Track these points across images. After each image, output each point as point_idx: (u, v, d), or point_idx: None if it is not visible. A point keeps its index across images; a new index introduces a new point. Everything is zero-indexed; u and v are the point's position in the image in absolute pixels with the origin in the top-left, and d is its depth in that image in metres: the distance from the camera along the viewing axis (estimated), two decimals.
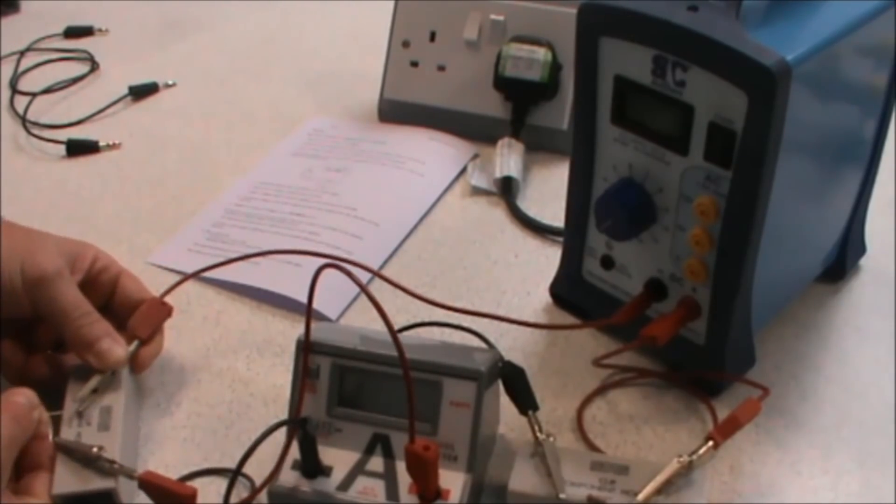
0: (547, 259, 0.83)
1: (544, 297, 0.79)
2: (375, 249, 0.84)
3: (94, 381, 0.65)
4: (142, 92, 1.08)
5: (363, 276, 0.80)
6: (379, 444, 0.61)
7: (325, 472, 0.61)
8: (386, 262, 0.84)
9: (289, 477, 0.60)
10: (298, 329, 0.76)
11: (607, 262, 0.73)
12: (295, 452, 0.60)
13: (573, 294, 0.77)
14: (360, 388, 0.62)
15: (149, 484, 0.60)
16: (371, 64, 1.05)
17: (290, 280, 0.79)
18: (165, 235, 0.87)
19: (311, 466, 0.60)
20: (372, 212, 0.88)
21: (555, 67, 0.94)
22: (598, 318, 0.73)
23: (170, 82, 1.10)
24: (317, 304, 0.58)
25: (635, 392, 0.71)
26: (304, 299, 0.60)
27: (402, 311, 0.77)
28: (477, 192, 0.92)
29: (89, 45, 1.18)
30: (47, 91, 1.09)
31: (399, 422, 0.60)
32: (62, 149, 0.99)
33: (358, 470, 0.61)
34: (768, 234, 0.64)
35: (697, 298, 0.68)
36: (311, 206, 0.89)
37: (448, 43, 0.99)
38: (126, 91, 1.07)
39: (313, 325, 0.62)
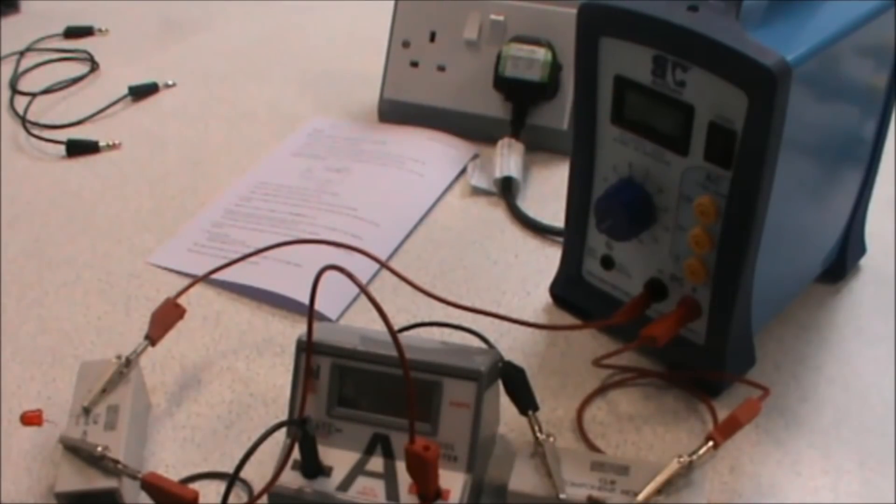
0: (547, 259, 0.83)
1: (544, 297, 0.79)
2: (375, 249, 0.83)
3: (102, 380, 0.65)
4: (142, 92, 1.08)
5: (366, 274, 0.81)
6: (379, 444, 0.61)
7: (325, 472, 0.61)
8: (386, 261, 0.84)
9: (289, 477, 0.60)
10: (298, 329, 0.76)
11: (607, 262, 0.73)
12: (295, 452, 0.60)
13: (573, 294, 0.77)
14: (360, 388, 0.62)
15: (151, 485, 0.60)
16: (371, 64, 1.05)
17: (290, 280, 0.79)
18: (165, 235, 0.87)
19: (311, 466, 0.60)
20: (372, 212, 0.88)
21: (555, 67, 0.94)
22: (598, 319, 0.73)
23: (170, 82, 1.10)
24: (317, 305, 0.58)
25: (635, 392, 0.71)
26: (304, 299, 0.60)
27: (403, 311, 0.78)
28: (477, 192, 0.92)
29: (89, 45, 1.18)
30: (47, 91, 1.09)
31: (399, 422, 0.60)
32: (62, 149, 0.99)
33: (358, 470, 0.61)
34: (768, 234, 0.64)
35: (697, 298, 0.68)
36: (311, 206, 0.89)
37: (448, 43, 0.99)
38: (126, 91, 1.08)
39: (313, 325, 0.62)
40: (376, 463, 0.61)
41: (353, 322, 0.77)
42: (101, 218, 0.90)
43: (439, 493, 0.58)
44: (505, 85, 0.95)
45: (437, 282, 0.82)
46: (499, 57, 0.95)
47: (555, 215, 0.86)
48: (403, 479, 0.59)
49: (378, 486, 0.60)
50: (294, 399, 0.62)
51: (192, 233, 0.87)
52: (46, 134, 1.02)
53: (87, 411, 0.64)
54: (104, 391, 0.65)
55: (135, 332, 0.77)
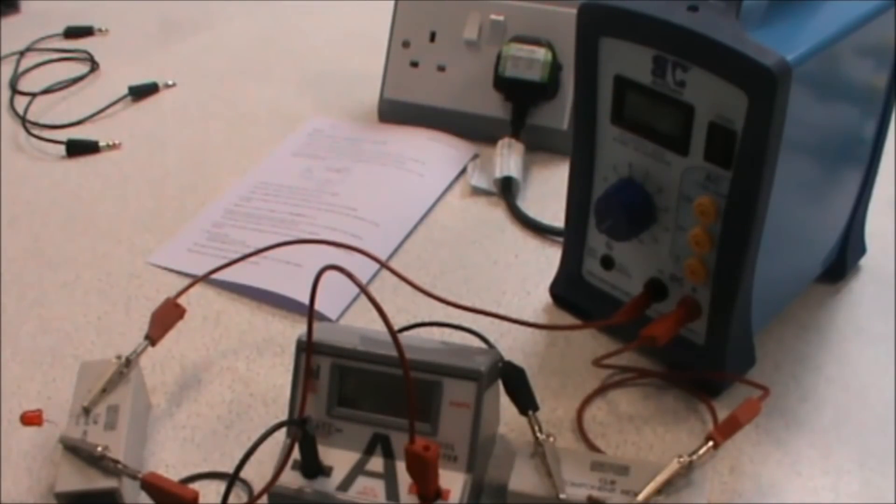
0: (547, 259, 0.83)
1: (544, 297, 0.79)
2: (375, 250, 0.83)
3: (102, 380, 0.65)
4: (142, 92, 1.08)
5: (366, 274, 0.81)
6: (379, 444, 0.61)
7: (325, 472, 0.61)
8: (386, 261, 0.84)
9: (289, 477, 0.60)
10: (298, 329, 0.76)
11: (607, 262, 0.73)
12: (295, 452, 0.60)
13: (573, 294, 0.77)
14: (360, 388, 0.62)
15: (151, 485, 0.60)
16: (371, 64, 1.05)
17: (290, 280, 0.79)
18: (165, 235, 0.87)
19: (311, 466, 0.60)
20: (372, 212, 0.88)
21: (555, 67, 0.94)
22: (598, 319, 0.73)
23: (170, 82, 1.10)
24: (317, 305, 0.58)
25: (635, 392, 0.71)
26: (304, 299, 0.60)
27: (403, 311, 0.78)
28: (477, 192, 0.92)
29: (89, 45, 1.18)
30: (47, 91, 1.09)
31: (399, 422, 0.60)
32: (62, 149, 0.99)
33: (358, 470, 0.61)
34: (768, 234, 0.64)
35: (697, 298, 0.68)
36: (311, 206, 0.89)
37: (448, 43, 0.99)
38: (126, 91, 1.08)
39: (313, 325, 0.62)
40: (376, 463, 0.61)
41: (353, 322, 0.77)
42: (101, 218, 0.90)
43: (439, 493, 0.58)
44: (505, 85, 0.95)
45: (437, 282, 0.82)
46: (499, 57, 0.95)
47: (555, 215, 0.86)
48: (403, 479, 0.59)
49: (378, 486, 0.60)
50: (294, 399, 0.62)
51: (192, 233, 0.87)
52: (46, 134, 1.02)
53: (87, 411, 0.64)
54: (104, 391, 0.65)
55: (135, 332, 0.77)
